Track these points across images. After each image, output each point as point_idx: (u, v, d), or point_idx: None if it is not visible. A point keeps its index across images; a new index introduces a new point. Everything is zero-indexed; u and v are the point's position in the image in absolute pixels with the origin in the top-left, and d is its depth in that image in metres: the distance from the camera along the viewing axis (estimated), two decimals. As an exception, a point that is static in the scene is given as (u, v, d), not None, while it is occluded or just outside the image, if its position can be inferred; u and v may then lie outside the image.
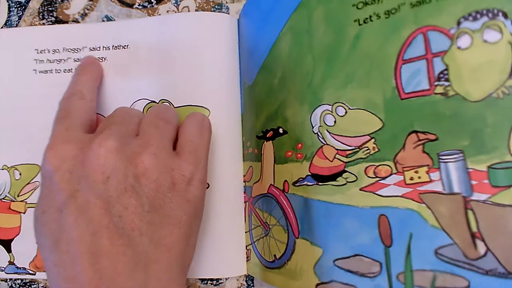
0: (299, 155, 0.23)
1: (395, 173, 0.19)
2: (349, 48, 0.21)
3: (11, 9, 0.31)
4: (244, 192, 0.26)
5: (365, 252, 0.20)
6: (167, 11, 0.30)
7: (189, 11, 0.30)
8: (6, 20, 0.31)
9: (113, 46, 0.28)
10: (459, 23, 0.18)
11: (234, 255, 0.26)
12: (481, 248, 0.17)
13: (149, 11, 0.30)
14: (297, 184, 0.23)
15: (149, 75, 0.28)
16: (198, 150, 0.22)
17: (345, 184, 0.21)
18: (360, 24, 0.21)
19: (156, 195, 0.19)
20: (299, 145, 0.23)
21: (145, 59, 0.28)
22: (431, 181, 0.18)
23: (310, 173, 0.22)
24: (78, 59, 0.28)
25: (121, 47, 0.28)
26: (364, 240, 0.20)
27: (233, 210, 0.27)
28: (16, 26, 0.31)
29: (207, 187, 0.26)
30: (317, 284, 0.21)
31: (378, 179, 0.19)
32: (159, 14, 0.30)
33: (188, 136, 0.22)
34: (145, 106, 0.28)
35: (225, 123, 0.27)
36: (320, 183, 0.22)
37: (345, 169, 0.21)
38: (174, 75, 0.28)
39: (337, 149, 0.21)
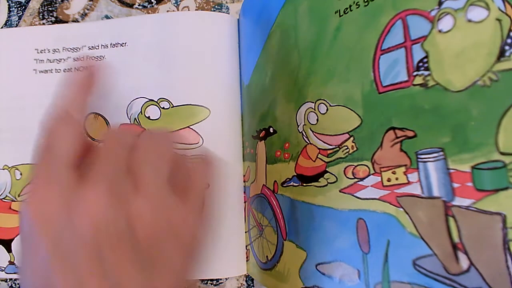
0: (286, 155, 0.22)
1: (372, 174, 0.17)
2: (330, 41, 0.20)
3: (11, 9, 0.31)
4: (244, 192, 0.26)
5: (344, 258, 0.18)
6: (167, 11, 0.30)
7: (189, 11, 0.30)
8: (6, 20, 0.31)
9: (111, 44, 0.28)
10: (440, 3, 0.15)
11: (235, 255, 0.26)
12: (464, 262, 0.14)
13: (149, 11, 0.30)
14: (284, 185, 0.22)
15: (148, 73, 0.28)
16: (203, 195, 0.21)
17: (326, 185, 0.19)
18: (340, 15, 0.19)
19: (151, 242, 0.17)
20: (287, 145, 0.22)
21: (144, 57, 0.28)
22: (409, 183, 0.16)
23: (295, 174, 0.21)
24: (77, 58, 0.28)
25: (119, 45, 0.28)
26: (343, 245, 0.18)
27: (233, 210, 0.27)
28: (16, 26, 0.31)
29: (207, 187, 0.24)
30: (301, 288, 0.21)
31: (356, 180, 0.18)
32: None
33: (195, 182, 0.21)
34: (143, 105, 0.27)
35: (226, 123, 0.27)
36: (304, 184, 0.21)
37: (326, 169, 0.19)
38: (174, 74, 0.27)
39: (319, 149, 0.20)
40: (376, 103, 0.17)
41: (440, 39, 0.15)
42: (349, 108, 0.19)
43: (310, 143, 0.20)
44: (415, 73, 0.16)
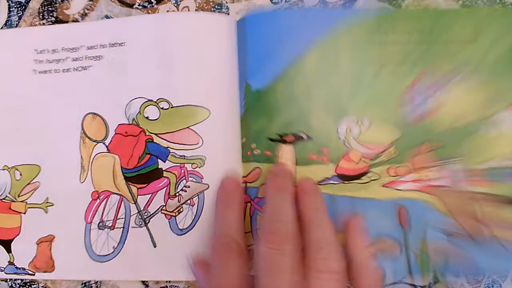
0: (324, 158, 0.25)
1: (411, 172, 0.25)
2: (372, 78, 0.26)
3: (11, 9, 0.31)
4: (246, 193, 0.26)
5: (387, 235, 0.25)
6: (167, 11, 0.30)
7: (189, 11, 0.30)
8: (6, 20, 0.31)
9: (110, 44, 0.28)
10: (443, 75, 0.26)
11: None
12: (480, 228, 0.25)
13: (149, 11, 0.30)
14: (322, 183, 0.25)
15: (147, 73, 0.28)
16: None
17: (368, 182, 0.25)
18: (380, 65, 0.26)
19: None
20: (325, 150, 0.25)
21: (143, 57, 0.28)
22: (439, 178, 0.25)
23: (336, 174, 0.25)
24: (76, 58, 0.28)
25: (118, 44, 0.28)
26: (385, 225, 0.25)
27: None
28: (16, 26, 0.31)
29: (207, 188, 0.27)
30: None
31: (398, 177, 0.25)
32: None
33: None
34: (142, 105, 0.27)
35: (225, 123, 0.27)
36: (345, 182, 0.25)
37: (370, 169, 0.25)
38: (173, 74, 0.28)
39: (362, 153, 0.25)
40: (414, 123, 0.25)
41: (443, 96, 0.26)
42: (390, 124, 0.25)
43: (353, 149, 0.25)
44: (437, 109, 0.26)
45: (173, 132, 0.27)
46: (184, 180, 0.27)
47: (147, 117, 0.28)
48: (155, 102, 0.27)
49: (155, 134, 0.28)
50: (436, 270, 0.25)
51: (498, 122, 0.26)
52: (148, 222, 0.27)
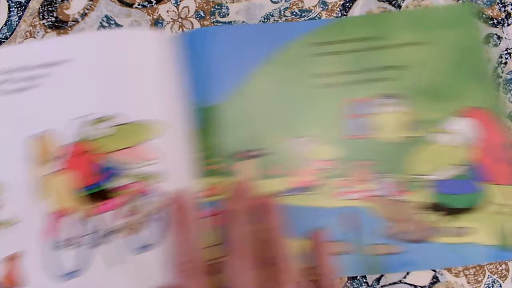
0: (281, 173, 0.31)
1: (351, 185, 0.31)
2: (316, 100, 0.32)
3: (11, 9, 0.31)
4: (204, 207, 0.29)
5: (334, 238, 0.30)
6: (167, 11, 0.31)
7: (189, 11, 0.32)
8: (6, 20, 0.31)
9: (59, 61, 0.29)
10: (378, 98, 0.31)
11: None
12: (402, 227, 0.30)
13: (149, 10, 0.31)
14: (279, 195, 0.31)
15: (99, 90, 0.28)
16: None
17: (319, 193, 0.31)
18: (320, 88, 0.32)
19: None
20: (281, 165, 0.31)
21: (91, 74, 0.29)
22: (372, 189, 0.31)
23: (291, 186, 0.31)
24: (25, 78, 0.29)
25: (67, 61, 0.29)
26: (333, 230, 0.30)
27: None
28: (16, 26, 0.31)
29: (163, 205, 0.28)
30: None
31: (343, 188, 0.31)
32: (159, 14, 0.32)
33: None
34: (94, 122, 0.28)
35: (179, 139, 0.29)
36: (300, 193, 0.31)
37: (319, 182, 0.31)
38: (126, 90, 0.29)
39: (313, 168, 0.31)
40: (352, 144, 0.31)
41: (380, 116, 0.31)
42: (334, 144, 0.31)
43: (305, 165, 0.31)
44: (370, 131, 0.31)
45: (126, 148, 0.28)
46: (141, 197, 0.28)
47: (99, 134, 0.28)
48: (109, 118, 0.28)
49: (108, 151, 0.28)
50: (377, 266, 0.30)
51: (419, 143, 0.32)
52: (108, 240, 0.27)
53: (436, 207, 0.31)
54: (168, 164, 0.28)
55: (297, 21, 0.33)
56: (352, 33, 0.32)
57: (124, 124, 0.28)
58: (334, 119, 0.31)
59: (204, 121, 0.31)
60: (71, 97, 0.28)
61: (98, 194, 0.28)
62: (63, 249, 0.27)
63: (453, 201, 0.31)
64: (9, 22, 0.32)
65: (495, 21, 0.34)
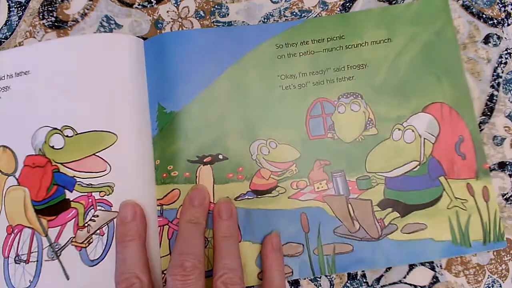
0: (240, 176, 0.31)
1: (308, 185, 0.30)
2: (277, 102, 0.31)
3: (11, 9, 0.31)
4: (162, 215, 0.28)
5: (293, 239, 0.30)
6: (167, 11, 0.31)
7: (189, 11, 0.32)
8: (6, 20, 0.31)
9: (15, 74, 0.29)
10: (338, 98, 0.31)
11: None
12: (356, 225, 0.30)
13: (149, 11, 0.31)
14: (239, 199, 0.31)
15: (52, 101, 0.28)
16: None
17: (277, 195, 0.31)
18: (283, 89, 0.31)
19: None
20: (240, 169, 0.31)
21: (48, 84, 0.28)
22: (328, 188, 0.30)
23: (250, 189, 0.31)
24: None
25: (23, 73, 0.29)
26: (292, 231, 0.30)
27: (147, 235, 0.28)
28: (16, 26, 0.31)
29: (116, 216, 0.27)
30: (259, 273, 0.30)
31: (299, 190, 0.30)
32: (159, 14, 0.31)
33: None
34: (47, 134, 0.28)
35: (134, 147, 0.28)
36: (259, 196, 0.30)
37: (278, 184, 0.31)
38: (77, 100, 0.28)
39: (271, 171, 0.30)
40: (309, 145, 0.30)
41: (339, 116, 0.31)
42: (292, 146, 0.30)
43: (263, 167, 0.30)
44: (328, 131, 0.31)
45: (78, 160, 0.28)
46: (93, 210, 0.28)
47: (52, 146, 0.28)
48: (59, 130, 0.28)
49: (61, 163, 0.28)
50: (329, 265, 0.30)
51: (377, 141, 0.32)
52: (60, 254, 0.27)
53: (391, 204, 0.30)
54: (121, 174, 0.27)
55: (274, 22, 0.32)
56: (319, 33, 0.31)
57: (75, 135, 0.28)
58: (295, 120, 0.31)
59: (164, 128, 0.30)
60: (24, 110, 0.28)
61: (51, 208, 0.28)
62: (16, 264, 0.27)
63: (407, 198, 0.31)
64: (9, 22, 0.32)
65: (495, 21, 0.34)
